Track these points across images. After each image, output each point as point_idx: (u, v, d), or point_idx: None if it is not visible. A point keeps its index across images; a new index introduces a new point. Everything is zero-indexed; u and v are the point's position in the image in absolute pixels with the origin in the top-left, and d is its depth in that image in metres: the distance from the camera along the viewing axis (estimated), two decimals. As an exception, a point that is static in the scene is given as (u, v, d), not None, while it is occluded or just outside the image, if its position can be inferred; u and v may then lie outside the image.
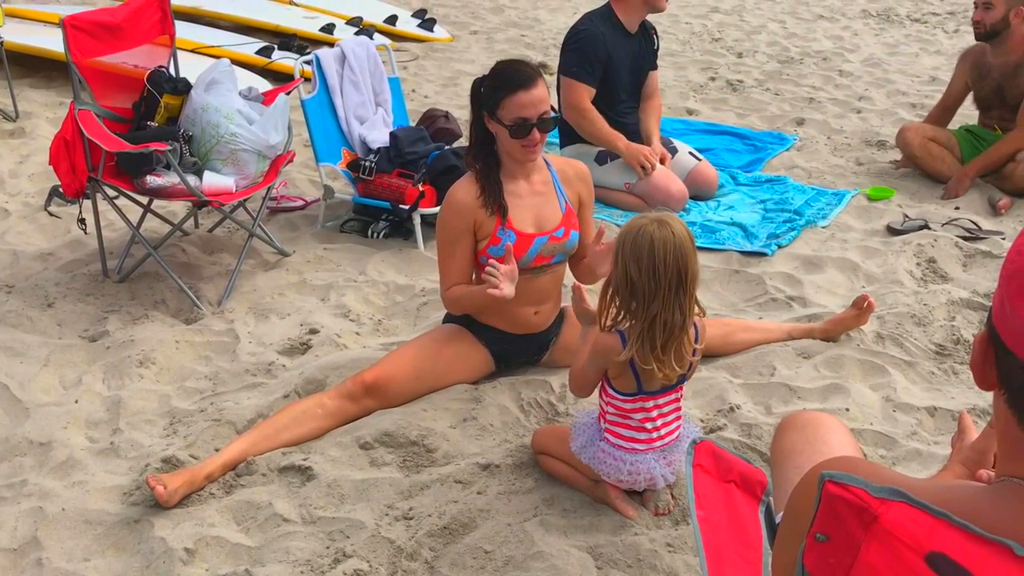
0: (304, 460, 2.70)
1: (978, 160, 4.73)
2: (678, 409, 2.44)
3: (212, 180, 3.71)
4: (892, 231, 4.37)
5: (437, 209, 4.16)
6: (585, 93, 4.55)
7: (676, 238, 2.26)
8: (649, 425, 2.38)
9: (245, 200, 4.01)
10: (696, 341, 2.38)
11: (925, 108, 6.21)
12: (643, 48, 4.74)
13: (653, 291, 2.25)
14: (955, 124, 5.27)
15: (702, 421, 2.89)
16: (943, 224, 4.38)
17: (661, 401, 2.39)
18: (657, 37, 4.83)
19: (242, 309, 3.68)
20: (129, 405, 3.05)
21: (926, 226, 4.35)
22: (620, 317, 2.35)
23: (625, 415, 2.39)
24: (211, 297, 3.77)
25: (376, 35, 6.77)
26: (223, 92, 3.87)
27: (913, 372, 3.21)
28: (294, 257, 4.12)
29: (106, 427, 2.97)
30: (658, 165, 4.54)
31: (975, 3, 4.62)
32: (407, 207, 4.12)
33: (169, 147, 3.56)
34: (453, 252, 2.92)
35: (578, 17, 4.78)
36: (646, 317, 2.27)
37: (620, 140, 4.57)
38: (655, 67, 4.86)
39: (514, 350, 3.12)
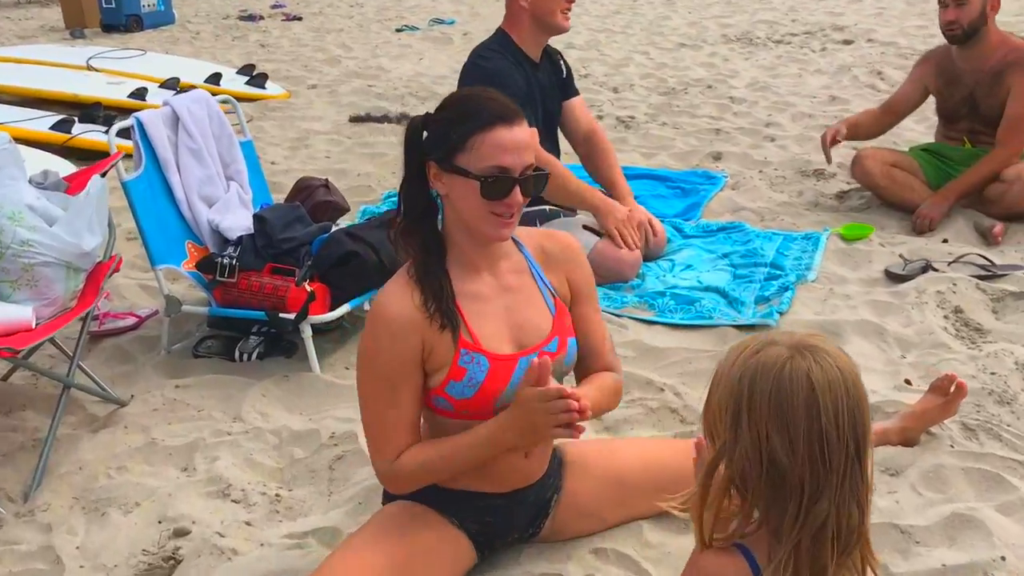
0: None
1: (956, 184, 4.01)
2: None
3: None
4: (893, 277, 3.57)
5: (332, 315, 3.04)
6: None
7: (844, 374, 1.29)
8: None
9: (51, 336, 2.77)
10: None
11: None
12: (551, 79, 3.83)
13: (820, 479, 1.27)
14: (893, 143, 4.63)
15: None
16: (949, 263, 3.62)
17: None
18: (565, 61, 3.93)
19: (63, 504, 2.43)
20: None
21: (929, 267, 3.58)
22: (751, 521, 1.35)
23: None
24: (12, 488, 2.50)
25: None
26: (4, 181, 2.65)
27: (1039, 478, 2.35)
28: (133, 405, 2.89)
29: None
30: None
31: (942, 2, 3.90)
32: (292, 316, 2.97)
33: (-80, 273, 2.32)
34: (395, 400, 1.89)
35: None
36: (810, 524, 1.28)
37: (596, 196, 3.68)
38: (576, 93, 3.96)
39: (501, 523, 2.07)
